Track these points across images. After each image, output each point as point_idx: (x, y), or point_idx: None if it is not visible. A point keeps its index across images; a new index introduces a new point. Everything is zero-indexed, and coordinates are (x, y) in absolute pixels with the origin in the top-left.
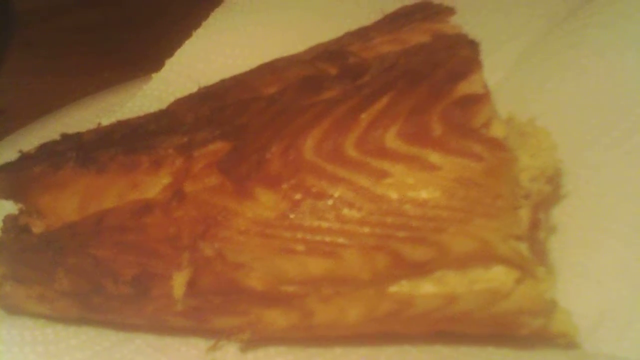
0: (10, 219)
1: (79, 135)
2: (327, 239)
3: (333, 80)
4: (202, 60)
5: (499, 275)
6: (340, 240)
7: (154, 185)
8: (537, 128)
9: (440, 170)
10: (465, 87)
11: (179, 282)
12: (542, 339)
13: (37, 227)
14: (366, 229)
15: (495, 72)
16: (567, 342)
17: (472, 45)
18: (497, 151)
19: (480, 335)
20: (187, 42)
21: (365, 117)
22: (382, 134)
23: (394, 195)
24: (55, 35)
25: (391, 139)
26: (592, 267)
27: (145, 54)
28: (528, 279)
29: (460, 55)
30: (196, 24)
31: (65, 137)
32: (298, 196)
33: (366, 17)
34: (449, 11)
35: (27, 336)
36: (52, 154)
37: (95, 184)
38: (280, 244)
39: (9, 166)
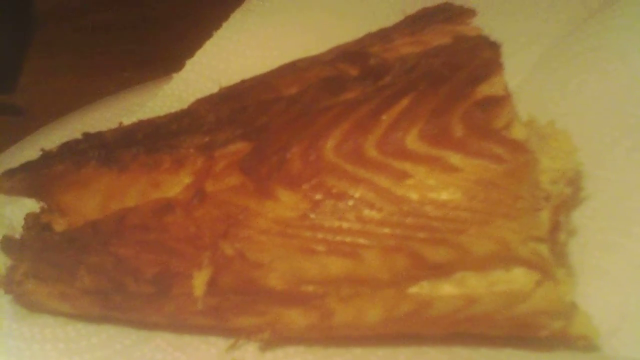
0: (32, 217)
1: (100, 134)
2: (348, 239)
3: (354, 81)
4: (223, 61)
5: (519, 277)
6: (361, 240)
7: (176, 185)
8: (557, 130)
9: (461, 171)
10: (486, 89)
11: (199, 281)
12: (562, 341)
13: (59, 225)
14: (386, 230)
15: (516, 75)
16: (586, 344)
17: (494, 47)
18: (518, 153)
19: (499, 337)
20: (207, 42)
21: (386, 118)
22: (403, 135)
23: (414, 196)
24: (76, 35)
25: (412, 140)
26: (612, 269)
27: (166, 54)
28: (548, 281)
29: (482, 57)
30: (217, 25)
31: (87, 136)
32: (319, 196)
33: (387, 18)
34: (470, 13)
35: (48, 334)
36: (74, 153)
37: (117, 182)
38: (300, 244)
39: (31, 165)
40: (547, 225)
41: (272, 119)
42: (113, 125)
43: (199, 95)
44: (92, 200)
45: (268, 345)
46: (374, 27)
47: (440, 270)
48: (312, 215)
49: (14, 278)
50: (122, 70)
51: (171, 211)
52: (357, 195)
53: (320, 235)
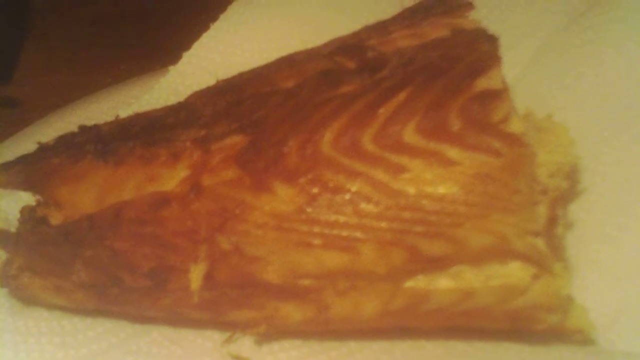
0: (28, 211)
1: (97, 127)
2: (344, 233)
3: (351, 74)
4: (220, 53)
5: (515, 271)
6: (357, 234)
7: (172, 178)
8: (555, 124)
9: (458, 165)
10: (484, 83)
11: (195, 275)
12: (558, 335)
13: (55, 219)
14: (383, 224)
15: (513, 68)
16: (583, 338)
17: (491, 41)
18: (515, 147)
19: (496, 331)
20: (204, 35)
21: (383, 111)
22: (400, 128)
23: (411, 190)
24: (72, 27)
25: (409, 133)
26: (609, 263)
27: (163, 46)
28: (545, 275)
29: (479, 50)
30: (214, 17)
31: (83, 129)
32: (315, 190)
33: (384, 11)
34: (468, 6)
35: (44, 327)
36: (70, 146)
37: (114, 176)
38: (297, 237)
39: (27, 158)
40: (544, 219)
41: (269, 112)
42: (109, 118)
43: (196, 88)
44: (88, 193)
45: (264, 338)
46: (371, 20)
47: (436, 264)
48: (309, 209)
49: (9, 271)
50: (119, 63)
51: (167, 205)
52: (353, 189)
53: (316, 229)
